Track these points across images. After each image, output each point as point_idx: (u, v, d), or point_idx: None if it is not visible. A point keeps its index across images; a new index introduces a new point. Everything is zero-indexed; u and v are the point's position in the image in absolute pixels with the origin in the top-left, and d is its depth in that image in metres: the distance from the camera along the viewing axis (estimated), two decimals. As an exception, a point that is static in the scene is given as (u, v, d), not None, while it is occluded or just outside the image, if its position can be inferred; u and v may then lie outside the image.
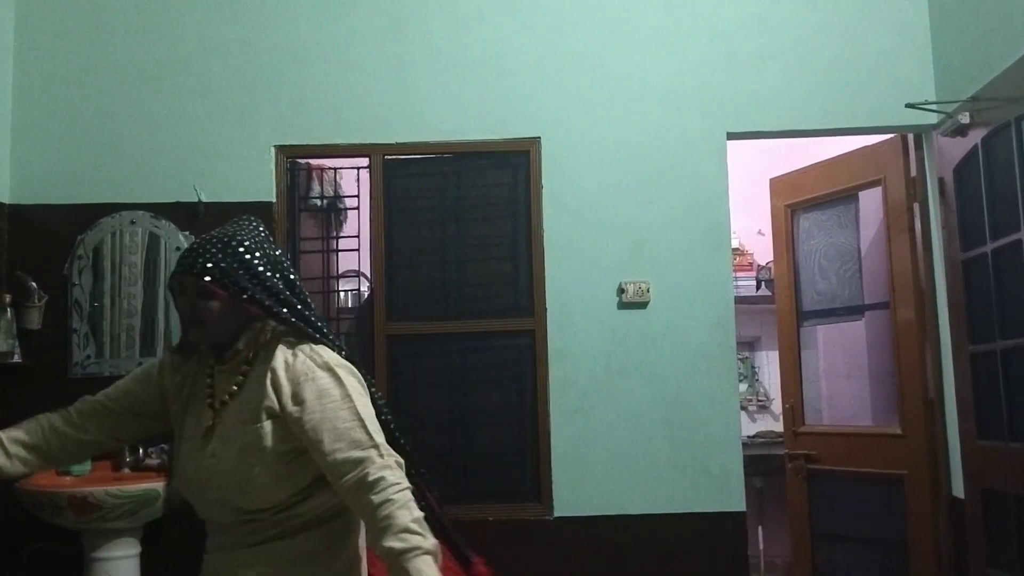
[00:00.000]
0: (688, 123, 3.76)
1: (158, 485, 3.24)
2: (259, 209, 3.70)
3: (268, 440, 1.80)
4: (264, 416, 1.81)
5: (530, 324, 3.72)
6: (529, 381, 3.72)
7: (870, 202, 4.03)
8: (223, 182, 3.72)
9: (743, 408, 5.41)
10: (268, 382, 1.83)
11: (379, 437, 1.80)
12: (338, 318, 4.17)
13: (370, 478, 1.72)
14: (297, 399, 1.81)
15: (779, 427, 5.09)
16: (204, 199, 3.69)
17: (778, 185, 4.41)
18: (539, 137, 3.76)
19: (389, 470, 1.74)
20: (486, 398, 3.74)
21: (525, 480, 3.67)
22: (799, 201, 4.30)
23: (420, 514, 1.71)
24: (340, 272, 4.42)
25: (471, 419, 3.72)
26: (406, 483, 1.75)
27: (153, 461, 3.43)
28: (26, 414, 3.58)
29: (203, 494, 1.85)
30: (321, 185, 4.23)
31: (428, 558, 1.65)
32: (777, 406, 5.36)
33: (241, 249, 1.86)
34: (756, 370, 5.76)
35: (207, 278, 1.82)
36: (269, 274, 1.88)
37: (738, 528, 3.62)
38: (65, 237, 3.67)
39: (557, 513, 3.62)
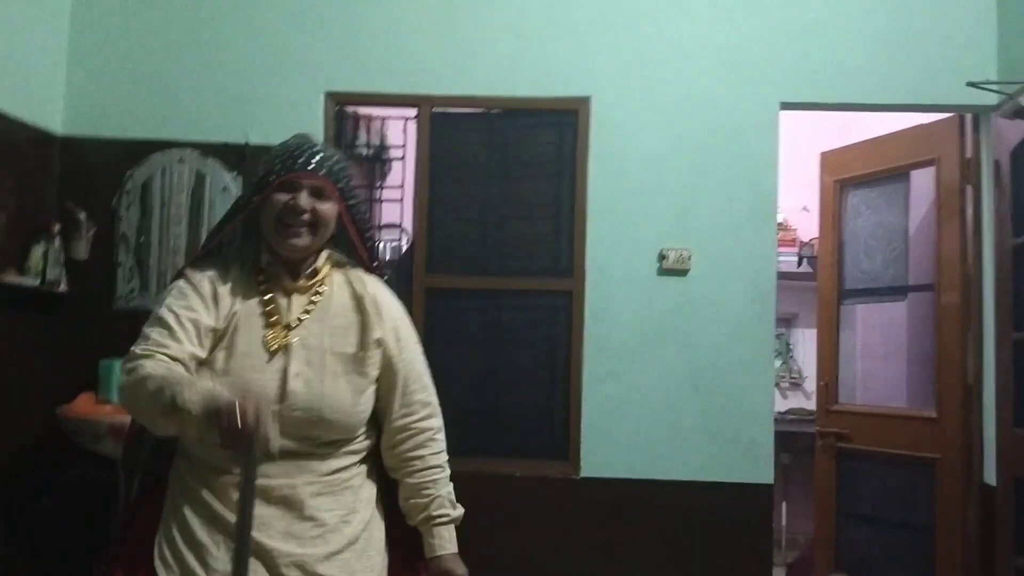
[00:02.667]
0: (741, 90, 3.71)
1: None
2: (306, 155, 3.72)
3: (373, 368, 1.83)
4: (373, 345, 1.83)
5: (568, 285, 3.72)
6: (564, 342, 3.72)
7: (922, 182, 3.96)
8: (271, 126, 3.72)
9: (776, 384, 5.38)
10: (370, 309, 1.85)
11: (436, 398, 1.94)
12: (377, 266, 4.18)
13: (433, 434, 1.90)
14: (397, 336, 1.87)
15: (810, 405, 5.07)
16: (252, 142, 3.71)
17: (829, 160, 4.35)
18: (589, 97, 3.73)
19: (442, 431, 1.93)
20: (520, 356, 3.75)
21: (554, 439, 3.69)
22: (849, 177, 4.23)
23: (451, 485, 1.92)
24: (382, 223, 4.43)
25: (504, 375, 3.74)
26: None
27: (191, 396, 3.48)
28: (70, 342, 3.68)
29: (277, 417, 1.71)
30: (368, 134, 4.24)
31: (453, 527, 1.90)
32: (810, 384, 5.33)
33: (349, 165, 1.89)
34: (791, 347, 5.72)
35: (334, 180, 1.81)
36: (362, 197, 1.90)
37: (764, 500, 3.62)
38: (115, 171, 3.72)
39: (584, 473, 3.64)
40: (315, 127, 3.73)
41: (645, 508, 3.62)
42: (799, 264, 5.40)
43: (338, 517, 1.78)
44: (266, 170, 1.81)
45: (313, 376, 1.75)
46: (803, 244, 5.44)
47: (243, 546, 1.59)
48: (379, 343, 1.84)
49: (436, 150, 3.79)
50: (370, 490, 1.88)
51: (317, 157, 1.79)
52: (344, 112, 3.92)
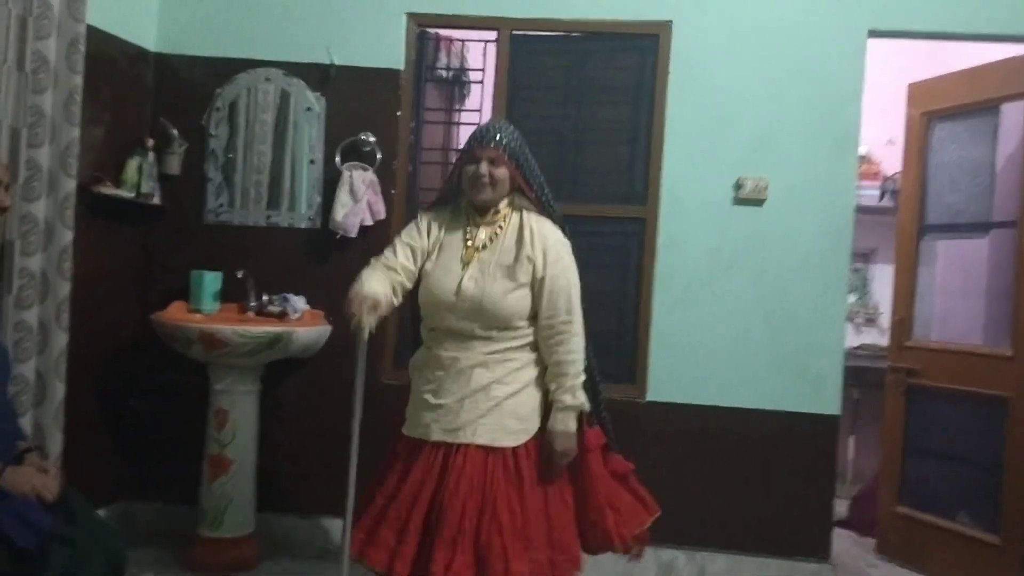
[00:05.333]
0: (828, 16, 3.61)
1: (279, 329, 3.45)
2: (387, 76, 3.78)
3: (524, 276, 2.56)
4: (526, 260, 2.56)
5: (642, 212, 3.74)
6: (635, 268, 3.76)
7: (1012, 116, 3.84)
8: (355, 46, 3.79)
9: (850, 319, 5.34)
10: (527, 237, 2.57)
11: (578, 312, 2.60)
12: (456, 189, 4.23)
13: (567, 337, 2.56)
14: (545, 256, 2.57)
15: (884, 341, 5.01)
16: (336, 62, 3.77)
17: (917, 91, 4.23)
18: (670, 21, 3.68)
19: (577, 337, 2.58)
20: (592, 280, 3.68)
21: (622, 362, 3.76)
22: (937, 110, 4.12)
23: (582, 378, 2.58)
24: (460, 147, 4.48)
25: (576, 299, 3.79)
26: (583, 351, 2.59)
27: (275, 308, 3.64)
28: (162, 252, 3.86)
29: (456, 306, 2.54)
30: (448, 57, 4.27)
31: (574, 414, 2.55)
32: (885, 321, 5.26)
33: (523, 140, 2.63)
34: (868, 282, 5.65)
35: (506, 153, 2.55)
36: (533, 162, 2.64)
37: (830, 431, 3.65)
38: (205, 88, 3.84)
39: (650, 397, 3.71)
40: (397, 48, 3.78)
41: (710, 434, 3.68)
42: (881, 198, 5.29)
43: (487, 382, 2.52)
44: (463, 148, 2.65)
45: (480, 279, 2.54)
46: (886, 178, 5.32)
47: (357, 404, 2.54)
48: (529, 259, 2.55)
49: (514, 73, 3.80)
50: (529, 372, 2.58)
51: (495, 134, 2.57)
52: (425, 33, 3.95)
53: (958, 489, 3.98)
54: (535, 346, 2.62)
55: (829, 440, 3.66)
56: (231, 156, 3.84)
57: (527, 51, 3.82)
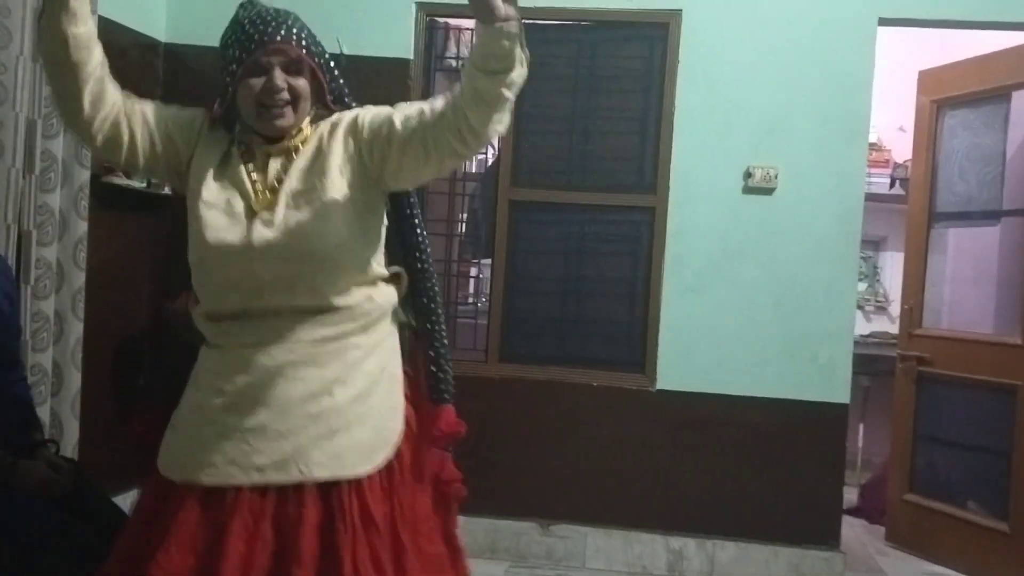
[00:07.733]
0: (838, 4, 3.60)
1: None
2: (397, 66, 3.78)
3: (337, 182, 1.69)
4: (336, 170, 1.70)
5: (652, 201, 3.75)
6: (645, 257, 3.77)
7: (1023, 103, 3.82)
8: (365, 36, 3.79)
9: (860, 307, 5.34)
10: (341, 139, 1.72)
11: None
12: (464, 179, 4.25)
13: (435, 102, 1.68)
14: (349, 125, 1.74)
15: (894, 329, 5.02)
16: (346, 52, 3.78)
17: (927, 79, 4.22)
18: (680, 9, 3.68)
19: None
20: (601, 269, 3.82)
21: (632, 351, 3.77)
22: (947, 97, 4.11)
23: None
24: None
25: (585, 288, 3.82)
26: None
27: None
28: (174, 242, 3.86)
29: (252, 264, 1.67)
30: (457, 46, 4.27)
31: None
32: (895, 308, 5.26)
33: (304, 23, 1.74)
34: (878, 270, 5.65)
35: (303, 50, 1.68)
36: (329, 57, 1.77)
37: (839, 419, 3.66)
38: (215, 78, 3.83)
39: (659, 385, 3.72)
40: (405, 37, 3.79)
41: (719, 422, 3.69)
42: (891, 186, 5.28)
43: (320, 384, 1.67)
44: (230, 56, 1.70)
45: (279, 216, 1.66)
46: (897, 165, 5.31)
47: None
48: (340, 162, 1.71)
49: (524, 63, 3.80)
50: (376, 359, 1.74)
51: (281, 27, 1.67)
52: (434, 23, 3.95)
53: (967, 477, 3.99)
54: (381, 314, 1.77)
55: (838, 428, 3.67)
56: (242, 146, 3.84)
57: (536, 40, 3.76)
